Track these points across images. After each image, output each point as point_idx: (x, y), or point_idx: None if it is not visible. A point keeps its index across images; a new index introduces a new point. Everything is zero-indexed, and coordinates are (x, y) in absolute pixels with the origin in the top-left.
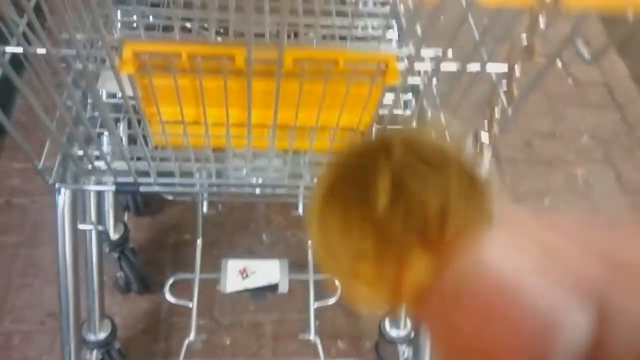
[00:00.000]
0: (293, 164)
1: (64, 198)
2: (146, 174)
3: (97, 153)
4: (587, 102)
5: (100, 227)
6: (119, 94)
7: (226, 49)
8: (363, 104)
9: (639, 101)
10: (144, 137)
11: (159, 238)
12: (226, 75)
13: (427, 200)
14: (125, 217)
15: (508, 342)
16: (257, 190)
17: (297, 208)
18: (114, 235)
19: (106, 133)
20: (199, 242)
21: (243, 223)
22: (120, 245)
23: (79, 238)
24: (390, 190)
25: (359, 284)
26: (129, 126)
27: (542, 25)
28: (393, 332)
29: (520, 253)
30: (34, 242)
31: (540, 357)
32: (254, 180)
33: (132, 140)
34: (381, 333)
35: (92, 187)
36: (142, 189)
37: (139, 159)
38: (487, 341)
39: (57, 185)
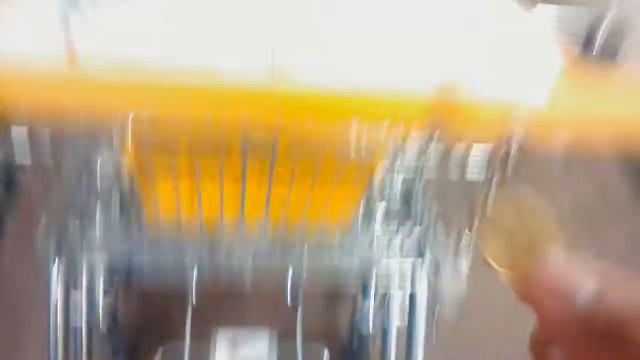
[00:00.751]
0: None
1: (56, 270)
2: (139, 251)
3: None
4: None
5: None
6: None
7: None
8: (356, 179)
9: None
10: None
11: (148, 311)
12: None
13: None
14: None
15: None
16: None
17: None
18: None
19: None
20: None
21: (233, 289)
22: (111, 315)
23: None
24: None
25: None
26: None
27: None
28: None
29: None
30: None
31: None
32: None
33: (124, 212)
34: None
35: (84, 260)
36: (133, 264)
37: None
38: None
39: (50, 257)
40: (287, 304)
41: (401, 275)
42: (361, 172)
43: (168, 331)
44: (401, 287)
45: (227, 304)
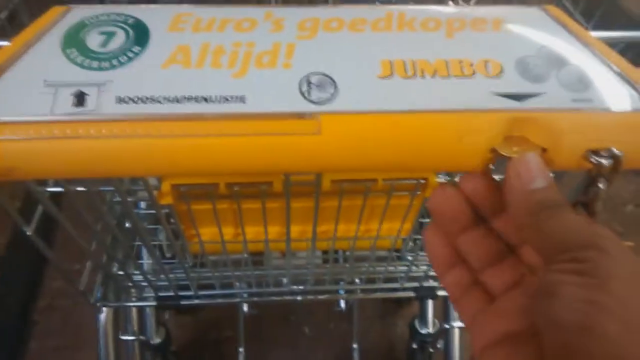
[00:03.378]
0: (333, 266)
1: (105, 316)
2: (186, 287)
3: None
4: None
5: (142, 338)
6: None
7: (264, 176)
8: (404, 215)
9: None
10: (183, 251)
11: (200, 337)
12: (264, 199)
13: None
14: (167, 316)
15: None
16: (299, 297)
17: (338, 305)
18: (155, 340)
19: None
20: (242, 350)
21: (284, 316)
22: (162, 350)
23: (120, 346)
24: None
25: None
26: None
27: (601, 186)
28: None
29: None
30: (76, 346)
31: None
32: (294, 288)
33: (170, 251)
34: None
35: (134, 304)
36: (182, 302)
37: (178, 272)
38: None
39: (98, 304)
40: (338, 327)
41: None
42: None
43: None
44: None
45: (278, 330)
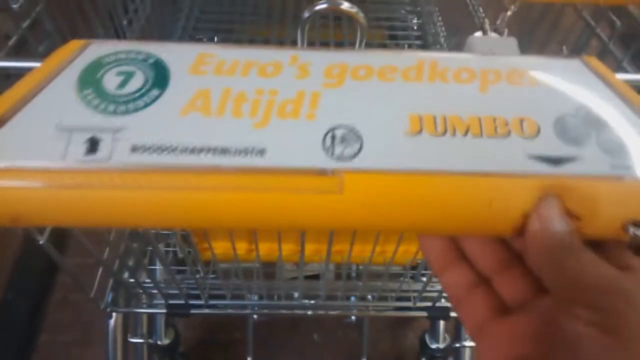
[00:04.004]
0: (346, 283)
1: (115, 321)
2: (197, 295)
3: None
4: None
5: (151, 340)
6: None
7: None
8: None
9: None
10: (194, 261)
11: (209, 338)
12: None
13: None
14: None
15: None
16: (309, 312)
17: (349, 317)
18: (164, 341)
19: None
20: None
21: (293, 322)
22: (171, 351)
23: (129, 347)
24: None
25: None
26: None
27: None
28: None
29: None
30: (86, 341)
31: None
32: (305, 302)
33: (181, 261)
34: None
35: (144, 310)
36: (192, 311)
37: (189, 281)
38: None
39: (108, 309)
40: (346, 335)
41: None
42: None
43: None
44: None
45: (287, 336)
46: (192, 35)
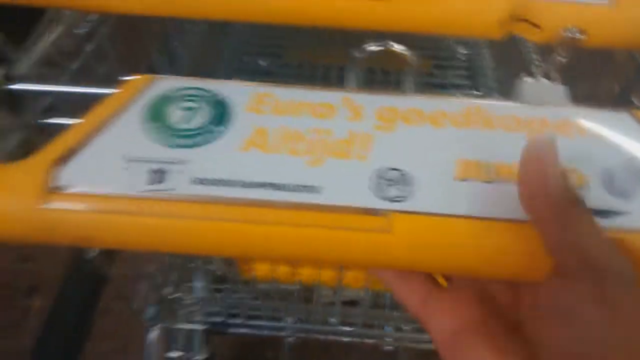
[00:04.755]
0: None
1: (155, 335)
2: (235, 314)
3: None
4: None
5: (187, 356)
6: None
7: None
8: None
9: None
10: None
11: (244, 355)
12: None
13: None
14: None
15: None
16: (345, 339)
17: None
18: (201, 358)
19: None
20: None
21: (326, 345)
22: None
23: None
24: None
25: None
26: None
27: None
28: None
29: None
30: (126, 350)
31: None
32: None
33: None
34: None
35: (183, 326)
36: (230, 330)
37: (229, 299)
38: None
39: (149, 322)
40: (386, 353)
41: None
42: None
43: None
44: None
45: (321, 358)
46: (241, 59)
